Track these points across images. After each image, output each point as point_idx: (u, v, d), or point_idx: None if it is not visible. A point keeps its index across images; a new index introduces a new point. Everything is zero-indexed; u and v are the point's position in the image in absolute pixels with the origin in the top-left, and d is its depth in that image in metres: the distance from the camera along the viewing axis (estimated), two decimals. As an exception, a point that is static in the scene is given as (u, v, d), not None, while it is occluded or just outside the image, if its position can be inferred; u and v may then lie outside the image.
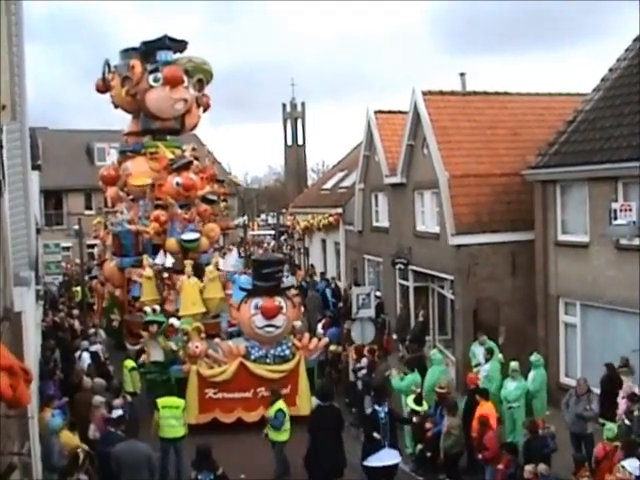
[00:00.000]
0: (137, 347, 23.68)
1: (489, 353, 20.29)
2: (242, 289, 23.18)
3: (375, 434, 16.04)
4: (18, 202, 10.98)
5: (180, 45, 28.79)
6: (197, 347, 21.19)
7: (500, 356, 20.25)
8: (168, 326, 23.00)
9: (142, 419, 17.45)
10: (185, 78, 27.82)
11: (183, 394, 19.78)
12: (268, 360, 21.64)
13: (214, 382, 21.11)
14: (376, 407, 16.46)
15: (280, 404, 17.59)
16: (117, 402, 17.44)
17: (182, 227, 26.77)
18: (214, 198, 28.87)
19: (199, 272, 25.79)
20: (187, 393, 20.46)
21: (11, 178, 10.50)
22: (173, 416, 17.29)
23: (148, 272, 25.94)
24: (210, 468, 13.55)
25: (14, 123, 10.20)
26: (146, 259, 26.47)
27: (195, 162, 28.42)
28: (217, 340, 22.44)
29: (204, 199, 28.01)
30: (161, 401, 17.59)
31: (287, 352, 21.85)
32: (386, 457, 16.14)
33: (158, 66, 27.61)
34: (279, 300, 21.65)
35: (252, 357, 21.56)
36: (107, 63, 28.34)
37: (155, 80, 27.52)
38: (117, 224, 28.80)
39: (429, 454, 17.78)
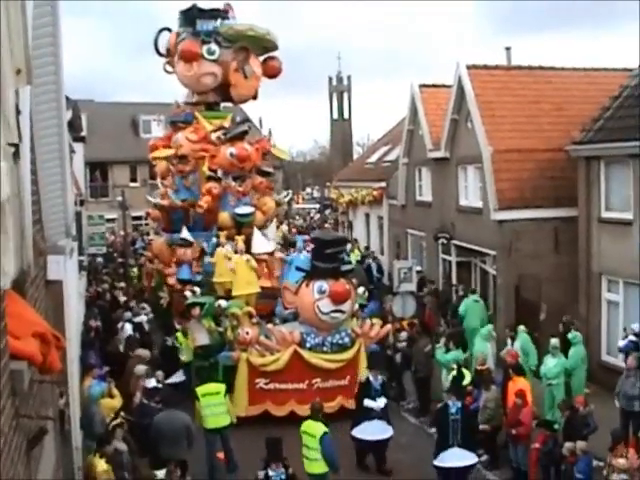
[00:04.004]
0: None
1: (513, 331, 20.60)
2: (299, 269, 21.35)
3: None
4: (54, 171, 11.09)
5: (217, 13, 27.67)
6: (248, 333, 19.97)
7: (522, 327, 20.47)
8: (217, 308, 21.66)
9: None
10: (216, 49, 26.77)
11: (232, 383, 18.97)
12: (325, 348, 20.16)
13: (265, 371, 19.66)
14: (448, 402, 15.33)
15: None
16: (159, 373, 17.74)
17: (235, 200, 25.69)
18: (270, 170, 28.08)
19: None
20: (236, 383, 19.42)
21: (46, 148, 10.67)
22: (215, 403, 16.47)
23: (226, 250, 23.82)
24: (281, 463, 12.80)
25: (50, 92, 10.42)
26: (223, 236, 24.70)
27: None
28: (269, 326, 20.97)
29: (259, 171, 27.14)
30: (200, 389, 16.72)
31: (346, 340, 20.37)
32: (454, 458, 14.95)
33: (184, 39, 26.87)
34: (345, 283, 20.10)
35: (307, 345, 20.04)
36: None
37: None
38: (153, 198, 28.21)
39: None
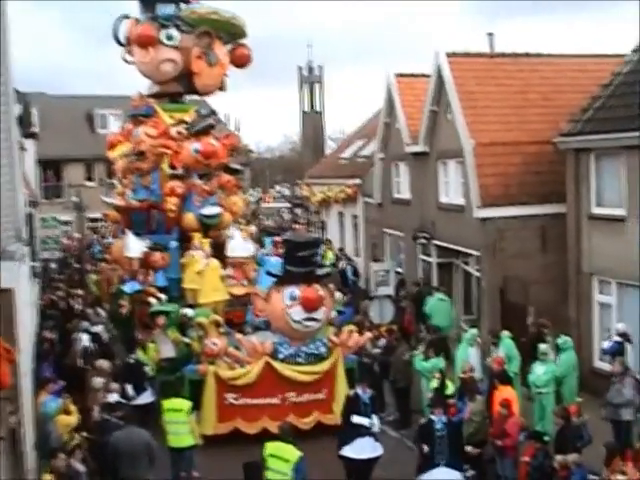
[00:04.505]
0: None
1: (495, 337, 20.44)
2: (270, 274, 21.03)
3: (425, 447, 14.88)
4: (3, 171, 10.93)
5: None
6: (215, 344, 19.59)
7: (506, 332, 20.35)
8: (182, 317, 21.55)
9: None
10: (175, 34, 26.30)
11: (199, 399, 18.66)
12: (299, 359, 19.78)
13: (235, 386, 19.27)
14: (432, 417, 15.19)
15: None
16: (114, 386, 17.41)
17: (201, 200, 25.32)
18: (239, 167, 27.81)
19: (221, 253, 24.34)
20: (204, 398, 19.04)
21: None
22: (177, 421, 16.07)
23: (196, 255, 23.80)
24: None
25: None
26: (198, 238, 24.42)
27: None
28: (239, 336, 20.60)
29: (227, 169, 26.73)
30: (166, 403, 16.38)
31: (322, 350, 20.00)
32: (439, 477, 14.68)
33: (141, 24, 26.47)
34: (319, 289, 19.70)
35: (280, 356, 19.65)
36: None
37: None
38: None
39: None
